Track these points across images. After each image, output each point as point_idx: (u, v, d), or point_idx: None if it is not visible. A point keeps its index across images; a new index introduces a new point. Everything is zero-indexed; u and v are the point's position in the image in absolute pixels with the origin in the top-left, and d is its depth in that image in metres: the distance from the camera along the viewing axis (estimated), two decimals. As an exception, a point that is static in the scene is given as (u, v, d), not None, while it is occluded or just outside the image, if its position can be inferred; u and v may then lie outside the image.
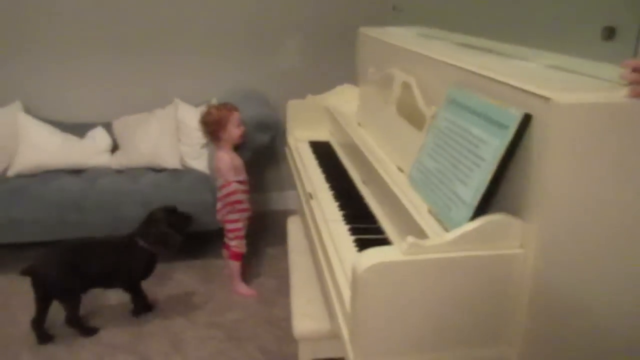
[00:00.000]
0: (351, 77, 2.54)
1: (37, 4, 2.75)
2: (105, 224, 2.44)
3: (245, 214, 2.33)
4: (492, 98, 1.07)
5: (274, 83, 3.02)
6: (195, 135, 2.71)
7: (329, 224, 1.44)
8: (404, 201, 1.25)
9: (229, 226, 2.32)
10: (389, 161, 1.51)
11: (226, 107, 2.26)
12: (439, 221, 1.12)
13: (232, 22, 2.94)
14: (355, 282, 0.98)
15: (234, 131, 2.24)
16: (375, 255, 0.97)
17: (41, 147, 2.61)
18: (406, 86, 1.56)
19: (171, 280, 2.47)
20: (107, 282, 2.12)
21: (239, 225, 2.31)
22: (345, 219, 1.46)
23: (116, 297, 2.28)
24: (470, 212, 1.02)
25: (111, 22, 2.85)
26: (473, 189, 1.03)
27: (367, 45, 2.12)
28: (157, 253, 2.13)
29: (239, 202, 2.28)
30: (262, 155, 2.98)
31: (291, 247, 1.85)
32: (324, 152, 2.07)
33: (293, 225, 2.00)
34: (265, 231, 2.97)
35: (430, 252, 0.96)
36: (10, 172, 2.55)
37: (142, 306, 2.20)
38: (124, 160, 2.70)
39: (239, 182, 2.27)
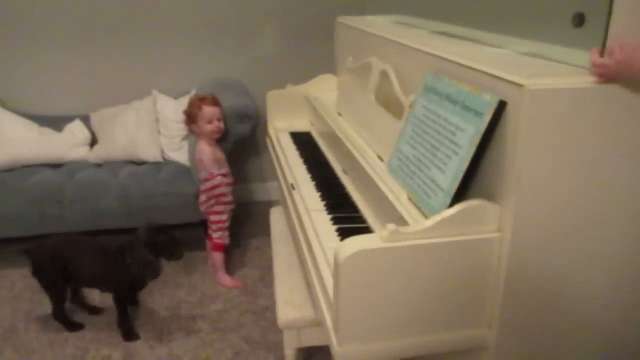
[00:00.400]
0: (331, 66, 2.56)
1: (9, -5, 2.69)
2: (85, 218, 2.42)
3: (230, 207, 2.33)
4: (467, 85, 1.08)
5: (253, 73, 3.00)
6: (175, 127, 2.70)
7: (311, 213, 1.45)
8: (384, 189, 1.27)
9: (212, 218, 2.32)
10: (368, 150, 1.52)
11: (199, 101, 2.20)
12: (418, 208, 1.14)
13: (210, 12, 2.91)
14: (337, 270, 0.99)
15: (204, 126, 2.19)
16: (356, 243, 0.99)
17: (18, 141, 2.57)
18: (384, 75, 1.58)
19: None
20: (93, 285, 2.08)
21: (223, 217, 2.31)
22: (327, 209, 1.48)
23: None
24: (448, 198, 1.04)
25: (88, 13, 2.80)
26: (450, 176, 1.05)
27: (345, 34, 2.13)
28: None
29: (223, 194, 2.28)
30: (243, 145, 2.98)
31: (274, 238, 1.86)
32: (304, 142, 2.07)
33: (275, 216, 2.01)
34: (248, 222, 2.98)
35: (410, 239, 0.98)
36: (-14, 168, 2.51)
37: (122, 321, 2.03)
38: (103, 153, 2.67)
39: (222, 175, 2.26)
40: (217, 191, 2.26)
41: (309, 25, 3.02)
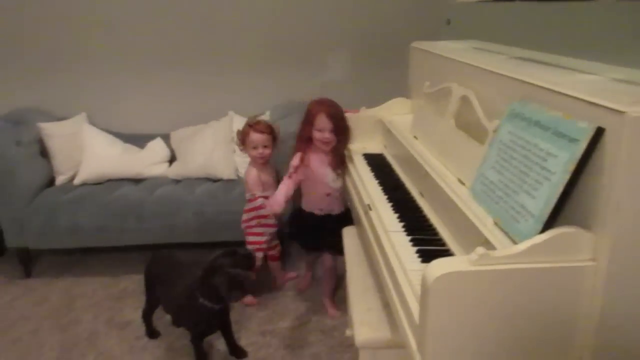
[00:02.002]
0: (401, 90, 2.58)
1: (100, 26, 2.91)
2: (162, 232, 2.55)
3: (270, 230, 2.38)
4: (558, 111, 1.08)
5: (324, 96, 3.07)
6: (248, 147, 2.80)
7: (389, 235, 1.46)
8: (468, 213, 1.27)
9: (250, 239, 2.36)
10: (448, 173, 1.53)
11: (249, 127, 2.27)
12: (506, 233, 1.13)
13: (284, 37, 3.02)
14: (425, 292, 1.00)
15: (250, 150, 2.27)
16: (444, 265, 0.99)
17: (104, 157, 2.75)
18: (465, 100, 1.58)
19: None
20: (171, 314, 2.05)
21: (262, 239, 2.36)
22: (405, 230, 1.49)
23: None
24: (539, 224, 1.03)
25: (168, 39, 2.98)
26: (542, 202, 1.04)
27: (421, 59, 2.15)
28: (225, 306, 1.93)
29: (264, 216, 2.32)
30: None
31: (348, 258, 1.87)
32: (378, 164, 2.09)
33: (349, 237, 2.03)
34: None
35: (500, 263, 0.98)
36: (77, 181, 2.68)
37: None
38: (181, 170, 2.80)
39: (265, 197, 2.28)
40: (259, 212, 2.31)
41: (380, 50, 3.08)
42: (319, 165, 2.17)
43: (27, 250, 2.61)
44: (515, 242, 1.08)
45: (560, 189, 1.00)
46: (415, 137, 1.92)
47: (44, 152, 2.72)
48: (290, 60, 3.06)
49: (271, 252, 2.47)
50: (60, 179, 2.71)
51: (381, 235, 1.48)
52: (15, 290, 2.55)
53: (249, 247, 2.34)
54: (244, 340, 2.16)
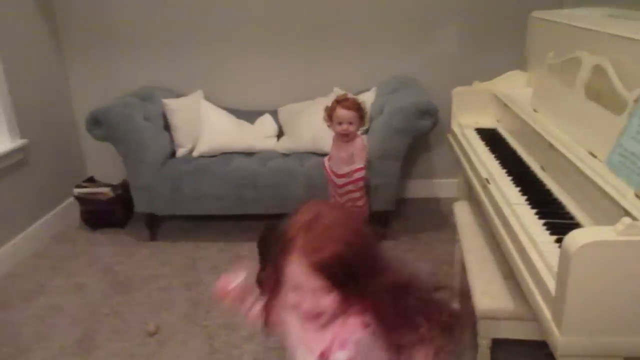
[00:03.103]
0: (513, 63, 2.51)
1: (214, 7, 3.06)
2: (275, 202, 2.68)
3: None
4: None
5: (431, 71, 3.05)
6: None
7: (513, 207, 1.46)
8: (603, 185, 1.24)
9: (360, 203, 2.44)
10: (576, 146, 1.48)
11: (337, 102, 2.31)
12: (650, 206, 1.10)
13: (391, 10, 3.02)
14: (566, 261, 1.00)
15: (335, 127, 2.31)
16: (588, 234, 0.99)
17: (220, 131, 2.92)
18: (597, 69, 1.52)
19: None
20: None
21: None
22: (529, 204, 1.47)
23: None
24: (693, 196, 0.99)
25: (277, 19, 3.08)
26: (696, 173, 1.00)
27: (543, 29, 2.08)
28: None
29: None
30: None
31: (462, 231, 1.88)
32: (492, 139, 2.07)
33: (461, 211, 2.03)
34: (416, 217, 3.04)
35: (655, 234, 0.96)
36: (195, 153, 2.88)
37: None
38: (289, 144, 2.92)
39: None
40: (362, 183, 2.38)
41: (489, 22, 2.98)
42: None
43: (153, 215, 2.86)
44: (661, 215, 1.05)
45: None
46: (535, 110, 1.87)
47: (166, 126, 2.94)
48: (395, 34, 3.05)
49: None
50: (180, 151, 2.92)
51: (504, 209, 1.48)
52: (144, 251, 2.81)
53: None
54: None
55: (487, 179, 1.70)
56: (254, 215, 2.81)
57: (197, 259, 2.70)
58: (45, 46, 3.04)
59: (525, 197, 1.52)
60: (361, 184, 2.37)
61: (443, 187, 3.30)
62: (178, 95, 3.10)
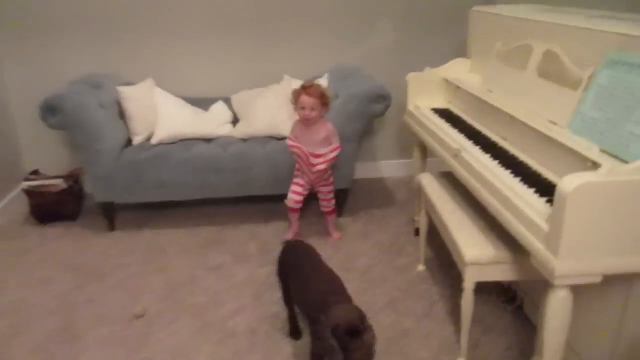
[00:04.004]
0: (447, 53, 2.83)
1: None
2: (240, 185, 2.79)
3: None
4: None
5: (373, 60, 3.30)
6: (310, 107, 3.02)
7: (490, 169, 1.72)
8: (570, 144, 1.53)
9: (330, 187, 2.70)
10: (536, 117, 1.78)
11: (302, 89, 2.46)
12: (614, 157, 1.39)
13: (336, 4, 3.21)
14: (563, 200, 1.26)
15: (298, 111, 2.49)
16: (580, 177, 1.25)
17: (176, 118, 2.94)
18: (547, 54, 1.83)
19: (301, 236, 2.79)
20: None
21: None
22: (502, 165, 1.75)
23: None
24: (651, 145, 1.29)
25: (225, 7, 3.15)
26: (651, 128, 1.30)
27: (486, 22, 2.39)
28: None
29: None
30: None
31: (434, 199, 2.12)
32: (449, 117, 2.35)
33: (428, 182, 2.26)
34: (370, 196, 3.28)
35: (629, 175, 1.24)
36: (154, 140, 2.87)
37: None
38: (247, 129, 3.01)
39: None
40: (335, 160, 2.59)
41: (426, 16, 3.29)
42: None
43: (111, 205, 2.83)
44: (627, 163, 1.34)
45: (668, 116, 1.27)
46: (489, 90, 2.17)
47: (120, 114, 2.90)
48: (340, 26, 3.25)
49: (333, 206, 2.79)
50: (137, 139, 2.90)
51: (483, 172, 1.74)
52: (105, 241, 2.77)
53: (329, 195, 2.69)
54: (329, 276, 2.42)
55: (458, 149, 1.96)
56: (213, 200, 2.90)
57: (164, 245, 2.72)
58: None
59: (497, 162, 1.79)
60: (333, 161, 2.56)
61: (385, 167, 3.58)
62: (125, 83, 3.06)
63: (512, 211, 1.52)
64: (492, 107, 2.04)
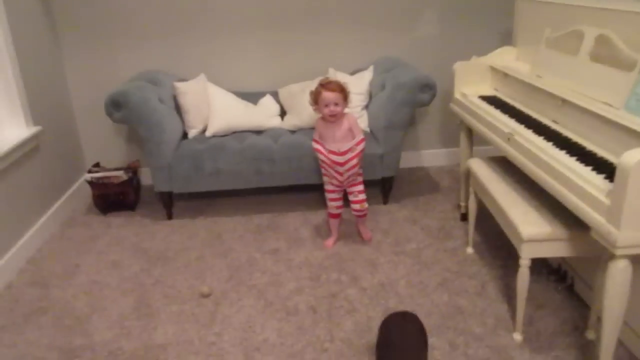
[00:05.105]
0: (491, 42, 2.89)
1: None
2: (290, 174, 2.91)
3: None
4: None
5: (416, 52, 3.38)
6: (356, 98, 3.11)
7: (545, 150, 1.80)
8: (626, 122, 1.60)
9: (361, 187, 2.57)
10: (589, 99, 1.84)
11: (321, 86, 2.42)
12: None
13: (378, -2, 3.31)
14: (625, 174, 1.33)
15: (322, 109, 2.42)
16: (640, 153, 1.33)
17: (229, 111, 3.08)
18: (601, 39, 1.90)
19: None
20: None
21: None
22: (556, 147, 1.82)
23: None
24: None
25: (272, 3, 3.27)
26: None
27: (534, 10, 2.45)
28: None
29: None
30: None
31: (485, 181, 2.20)
32: (497, 103, 2.42)
33: (478, 167, 2.34)
34: (415, 184, 3.37)
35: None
36: (208, 133, 3.03)
37: None
38: (295, 121, 3.14)
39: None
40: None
41: (469, 6, 3.34)
42: None
43: (170, 195, 2.98)
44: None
45: None
46: (538, 76, 2.23)
47: (176, 109, 3.05)
48: (384, 20, 3.34)
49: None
50: (192, 132, 3.05)
51: (538, 153, 1.81)
52: (165, 229, 2.93)
53: (360, 196, 2.57)
54: (382, 258, 2.53)
55: (510, 133, 2.04)
56: (264, 189, 3.06)
57: (220, 232, 2.86)
58: (41, 32, 3.03)
59: (551, 143, 1.86)
60: (362, 154, 2.52)
61: (427, 156, 3.66)
62: (179, 79, 3.21)
63: (572, 189, 1.60)
64: (542, 91, 2.11)
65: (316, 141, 2.52)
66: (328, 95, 2.39)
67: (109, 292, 2.37)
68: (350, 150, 2.45)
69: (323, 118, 2.48)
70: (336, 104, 2.40)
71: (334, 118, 2.44)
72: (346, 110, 2.50)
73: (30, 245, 2.69)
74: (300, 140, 2.95)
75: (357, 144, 2.47)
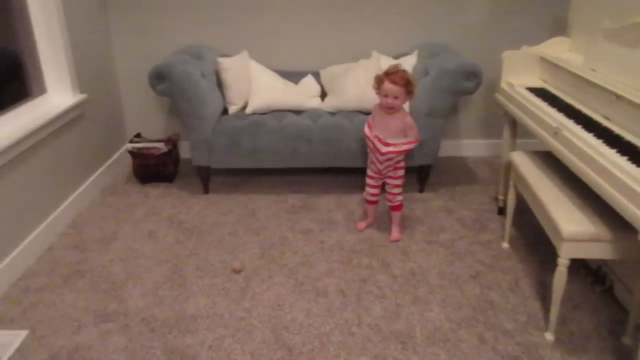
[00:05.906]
0: (541, 31, 2.78)
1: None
2: (328, 156, 2.89)
3: None
4: None
5: (461, 38, 3.29)
6: (398, 83, 3.06)
7: (595, 148, 1.73)
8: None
9: (398, 181, 2.52)
10: (645, 96, 1.76)
11: (385, 75, 2.32)
12: None
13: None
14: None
15: (381, 97, 2.35)
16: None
17: (270, 89, 3.08)
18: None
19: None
20: None
21: None
22: (607, 144, 1.75)
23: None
24: None
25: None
26: None
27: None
28: None
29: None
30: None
31: (529, 176, 2.13)
32: (545, 96, 2.33)
33: (522, 160, 2.28)
34: (452, 174, 3.31)
35: None
36: (248, 110, 3.03)
37: None
38: (335, 103, 3.11)
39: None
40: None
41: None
42: None
43: (208, 169, 3.02)
44: None
45: None
46: (592, 69, 2.14)
47: (217, 84, 3.07)
48: (429, 4, 3.26)
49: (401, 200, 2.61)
50: (232, 109, 3.06)
51: (587, 150, 1.74)
52: (201, 202, 2.97)
53: (396, 190, 2.54)
54: (414, 246, 2.50)
55: (557, 127, 1.97)
56: (300, 169, 3.05)
57: (255, 209, 2.88)
58: (91, 1, 3.08)
59: (601, 140, 1.79)
60: (406, 153, 2.47)
61: (467, 146, 3.59)
62: (222, 55, 3.22)
63: (621, 189, 1.54)
64: (595, 86, 2.02)
65: (368, 123, 2.49)
66: (389, 87, 2.30)
67: (144, 260, 2.43)
68: (394, 144, 2.39)
69: (380, 105, 2.42)
70: (395, 97, 2.31)
71: (391, 110, 2.36)
72: (406, 113, 2.42)
73: (72, 210, 2.78)
74: (339, 123, 2.93)
75: (406, 142, 2.41)
